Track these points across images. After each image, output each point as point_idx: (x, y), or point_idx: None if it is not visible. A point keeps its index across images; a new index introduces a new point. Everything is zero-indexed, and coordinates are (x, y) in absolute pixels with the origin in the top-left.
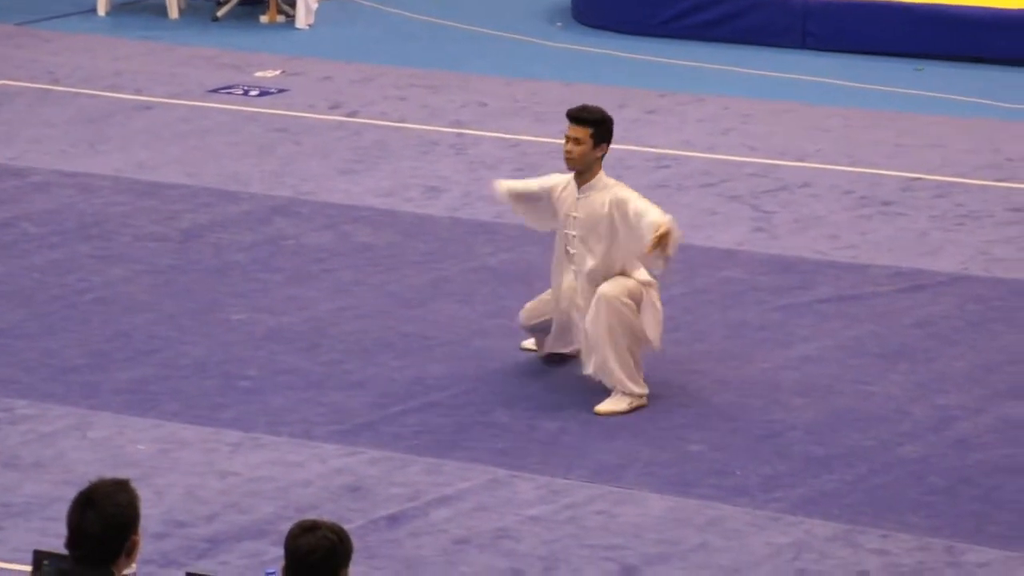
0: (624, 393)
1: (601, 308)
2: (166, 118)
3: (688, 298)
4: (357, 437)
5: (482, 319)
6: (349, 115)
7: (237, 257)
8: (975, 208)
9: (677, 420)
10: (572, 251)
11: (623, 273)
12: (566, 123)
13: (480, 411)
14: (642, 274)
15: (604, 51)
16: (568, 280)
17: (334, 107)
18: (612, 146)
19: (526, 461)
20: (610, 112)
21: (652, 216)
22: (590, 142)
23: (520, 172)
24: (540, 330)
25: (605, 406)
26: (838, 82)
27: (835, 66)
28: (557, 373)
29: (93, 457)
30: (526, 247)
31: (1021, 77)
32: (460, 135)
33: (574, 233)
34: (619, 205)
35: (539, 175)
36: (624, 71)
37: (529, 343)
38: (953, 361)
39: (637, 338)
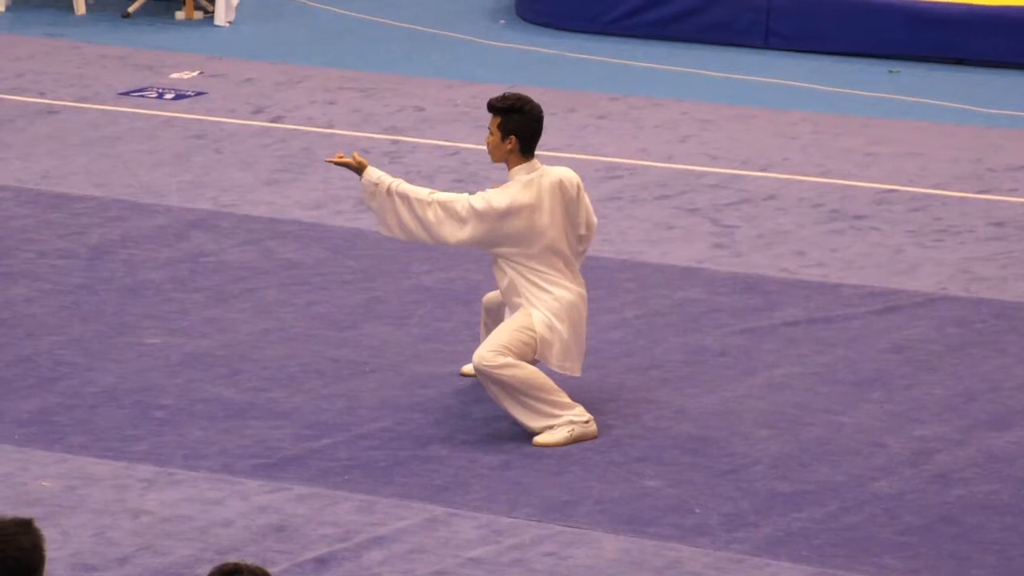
0: (558, 425)
1: (481, 380)
2: (73, 123)
3: (643, 320)
4: (282, 472)
5: (418, 343)
6: (273, 120)
7: (151, 275)
8: (954, 222)
9: (631, 453)
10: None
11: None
12: None
13: (416, 443)
14: (544, 287)
15: (551, 51)
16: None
17: (257, 112)
18: (559, 155)
19: (467, 498)
20: (558, 117)
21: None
22: (498, 133)
23: (459, 183)
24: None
25: (542, 437)
26: (805, 85)
27: (802, 68)
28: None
29: None
30: (465, 265)
31: (1003, 80)
32: (395, 142)
33: None
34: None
35: (482, 187)
36: (573, 72)
37: (468, 368)
38: (931, 389)
39: (529, 382)
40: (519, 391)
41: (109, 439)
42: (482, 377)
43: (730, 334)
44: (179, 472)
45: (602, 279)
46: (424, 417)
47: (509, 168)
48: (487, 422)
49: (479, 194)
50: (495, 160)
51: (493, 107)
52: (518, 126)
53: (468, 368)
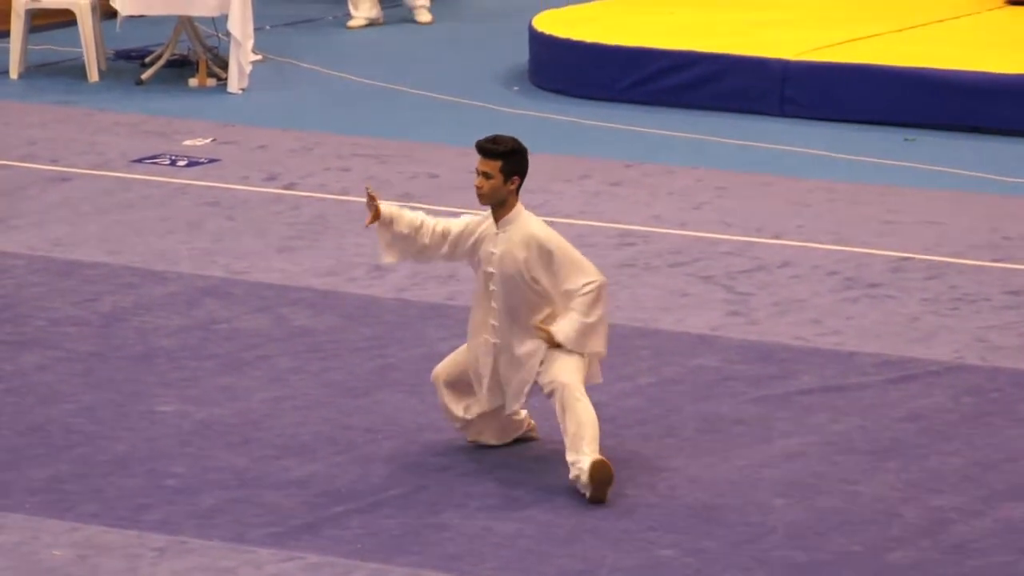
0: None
1: (569, 401)
2: (85, 191)
3: (657, 388)
4: (295, 541)
5: (431, 410)
6: (287, 187)
7: (163, 343)
8: (970, 291)
9: (646, 522)
10: (492, 287)
11: (549, 311)
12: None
13: (430, 512)
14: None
15: (565, 117)
16: (483, 316)
17: (270, 179)
18: (573, 221)
19: (480, 567)
20: (572, 184)
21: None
22: (500, 176)
23: None
24: (458, 387)
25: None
26: (821, 152)
27: (817, 135)
28: (513, 469)
29: (4, 564)
30: None
31: (1020, 148)
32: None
33: (491, 270)
34: (542, 254)
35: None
36: (587, 139)
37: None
38: (948, 458)
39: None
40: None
41: (121, 508)
42: (570, 398)
43: (745, 402)
44: (191, 541)
45: (617, 346)
46: (437, 485)
47: (507, 209)
48: (501, 490)
49: (571, 256)
50: (491, 203)
51: (492, 151)
52: (519, 167)
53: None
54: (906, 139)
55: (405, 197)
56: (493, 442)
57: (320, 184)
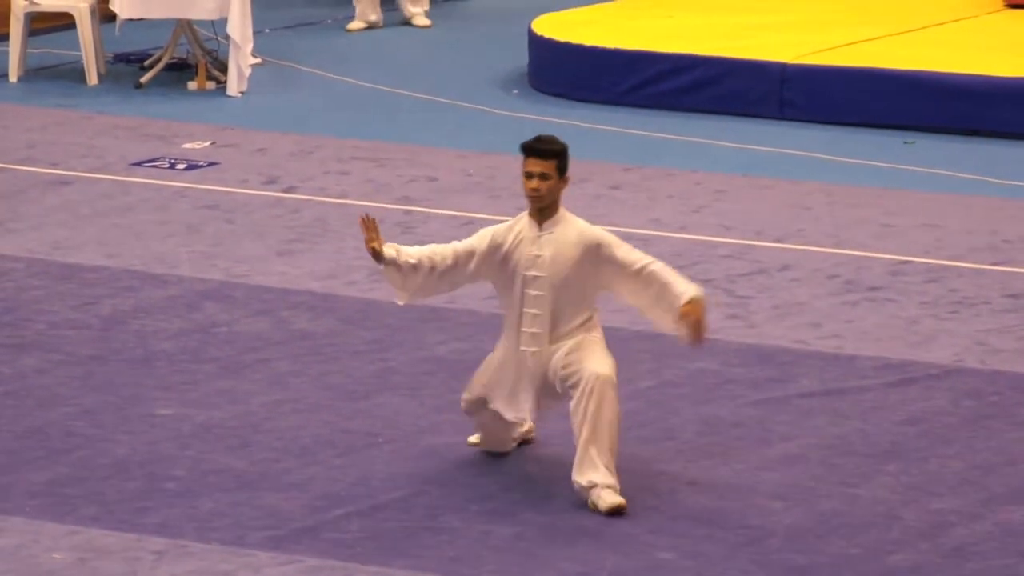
0: (607, 485)
1: (603, 398)
2: (85, 194)
3: (657, 391)
4: (295, 544)
5: (432, 414)
6: (286, 191)
7: (163, 346)
8: (970, 294)
9: (645, 525)
10: (535, 293)
11: (588, 315)
12: (524, 158)
13: (429, 515)
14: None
15: (564, 121)
16: (517, 326)
17: (269, 182)
18: None
19: (480, 570)
20: (572, 187)
21: (679, 286)
22: (556, 176)
23: None
24: (485, 409)
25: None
26: (820, 156)
27: (817, 138)
28: (513, 472)
29: (4, 568)
30: (480, 336)
31: (1019, 151)
32: (408, 212)
33: (537, 274)
34: (596, 247)
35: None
36: (586, 143)
37: (475, 438)
38: (947, 461)
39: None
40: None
41: (120, 511)
42: (606, 390)
43: (744, 405)
44: (191, 544)
45: (616, 350)
46: (437, 488)
47: (554, 209)
48: (500, 493)
49: (628, 246)
50: (544, 204)
51: (548, 151)
52: (567, 164)
53: (474, 438)
54: (905, 142)
55: (404, 200)
56: (498, 449)
57: (319, 187)
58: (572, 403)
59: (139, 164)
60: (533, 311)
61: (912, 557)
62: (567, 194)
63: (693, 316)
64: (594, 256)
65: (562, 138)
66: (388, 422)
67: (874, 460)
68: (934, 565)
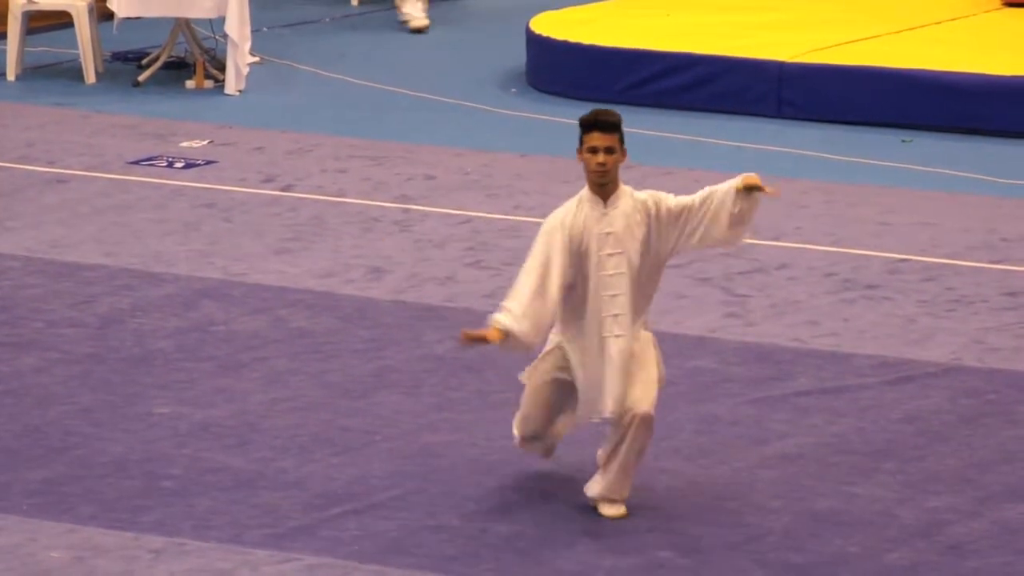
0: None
1: (640, 432)
2: (82, 192)
3: None
4: (292, 542)
5: (430, 412)
6: (284, 189)
7: (161, 345)
8: (968, 292)
9: (643, 524)
10: (612, 272)
11: (650, 299)
12: (583, 133)
13: (427, 513)
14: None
15: (562, 119)
16: (596, 313)
17: (267, 180)
18: None
19: (477, 569)
20: (570, 185)
21: (717, 187)
22: (620, 148)
23: (470, 251)
24: (544, 437)
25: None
26: (817, 154)
27: (814, 137)
28: (511, 471)
29: (1, 566)
30: None
31: (1018, 150)
32: (406, 211)
33: (612, 251)
34: (656, 208)
35: (493, 255)
36: None
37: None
38: (944, 459)
39: None
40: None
41: (118, 509)
42: (645, 430)
43: (742, 404)
44: (188, 542)
45: None
46: (435, 487)
47: (616, 183)
48: (498, 492)
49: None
50: (609, 179)
51: (612, 123)
52: (623, 136)
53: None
54: (903, 140)
55: (402, 199)
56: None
57: (317, 186)
58: (609, 428)
59: (137, 162)
60: (612, 292)
61: (909, 555)
62: (568, 192)
63: (750, 182)
64: (655, 218)
65: (558, 138)
66: (386, 420)
67: (871, 458)
68: (931, 563)
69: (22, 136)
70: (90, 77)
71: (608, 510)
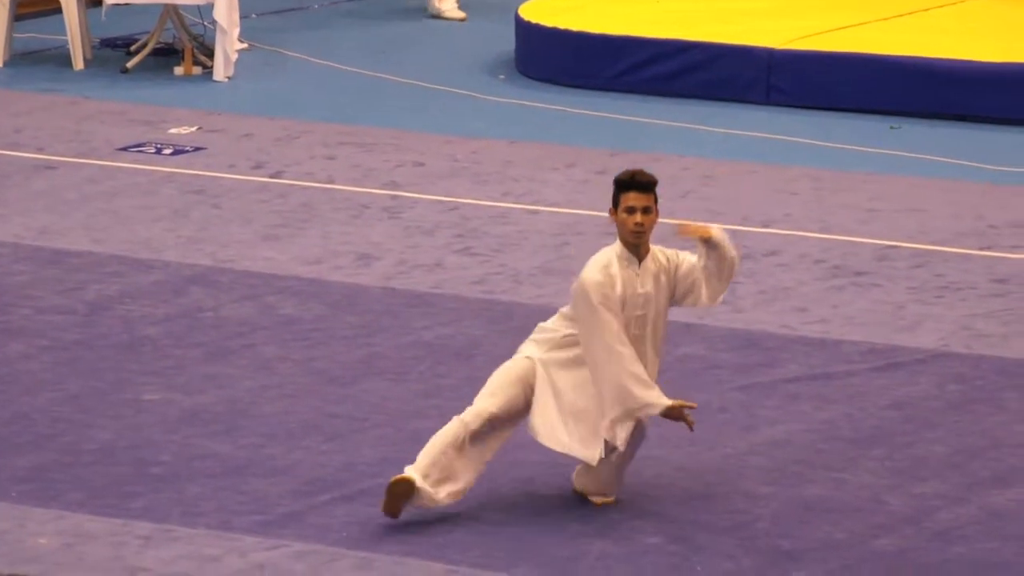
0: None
1: (636, 438)
2: (71, 179)
3: None
4: (281, 529)
5: (418, 399)
6: (273, 176)
7: (149, 331)
8: (956, 279)
9: (632, 510)
10: (636, 333)
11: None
12: (619, 193)
13: None
14: None
15: (551, 106)
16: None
17: (256, 167)
18: (559, 210)
19: (466, 555)
20: (559, 172)
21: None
22: (655, 207)
23: (459, 238)
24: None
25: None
26: (806, 141)
27: (803, 123)
28: (500, 458)
29: None
30: (466, 321)
31: (1006, 137)
32: (395, 198)
33: (641, 312)
34: (675, 266)
35: (482, 241)
36: (573, 128)
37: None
38: (932, 446)
39: None
40: None
41: (106, 496)
42: (640, 434)
43: (730, 390)
44: (177, 529)
45: None
46: None
47: (648, 243)
48: (487, 479)
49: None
50: (643, 241)
51: (651, 184)
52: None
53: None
54: (891, 127)
55: (391, 185)
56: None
57: (306, 172)
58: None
59: (125, 149)
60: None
61: (897, 541)
62: (556, 179)
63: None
64: (675, 278)
65: (547, 125)
66: (375, 407)
67: (860, 445)
68: (919, 549)
69: (10, 122)
70: (78, 63)
71: (597, 497)
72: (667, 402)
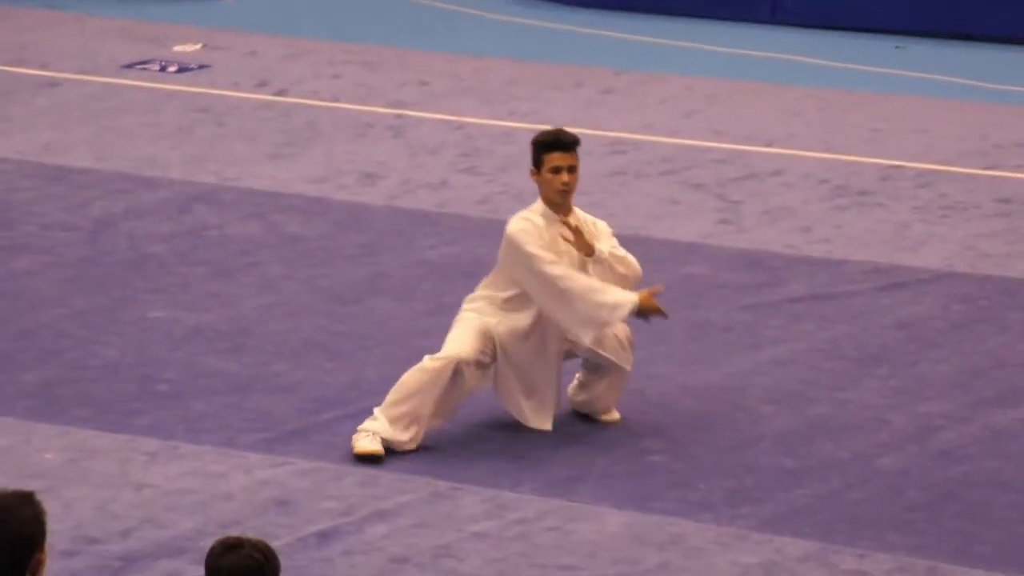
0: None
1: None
2: (75, 96)
3: None
4: (285, 446)
5: (422, 317)
6: (277, 94)
7: (154, 249)
8: (960, 199)
9: (635, 429)
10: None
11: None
12: (542, 153)
13: None
14: None
15: (556, 25)
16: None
17: (261, 85)
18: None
19: (471, 473)
20: (564, 92)
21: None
22: (578, 164)
23: (465, 157)
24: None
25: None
26: (811, 60)
27: (808, 43)
28: None
29: None
30: (470, 239)
31: (1011, 56)
32: (399, 116)
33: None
34: (597, 230)
35: (487, 161)
36: (578, 47)
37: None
38: (936, 365)
39: None
40: None
41: (112, 412)
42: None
43: (734, 310)
44: (182, 445)
45: None
46: None
47: (571, 206)
48: (491, 397)
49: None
50: (568, 200)
51: (572, 143)
52: None
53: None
54: (896, 47)
55: (396, 104)
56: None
57: (311, 91)
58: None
59: (130, 66)
60: None
61: (900, 460)
62: (561, 98)
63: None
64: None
65: (552, 44)
66: (379, 326)
67: (863, 364)
68: (922, 468)
69: (14, 39)
70: None
71: (603, 415)
72: (634, 297)
